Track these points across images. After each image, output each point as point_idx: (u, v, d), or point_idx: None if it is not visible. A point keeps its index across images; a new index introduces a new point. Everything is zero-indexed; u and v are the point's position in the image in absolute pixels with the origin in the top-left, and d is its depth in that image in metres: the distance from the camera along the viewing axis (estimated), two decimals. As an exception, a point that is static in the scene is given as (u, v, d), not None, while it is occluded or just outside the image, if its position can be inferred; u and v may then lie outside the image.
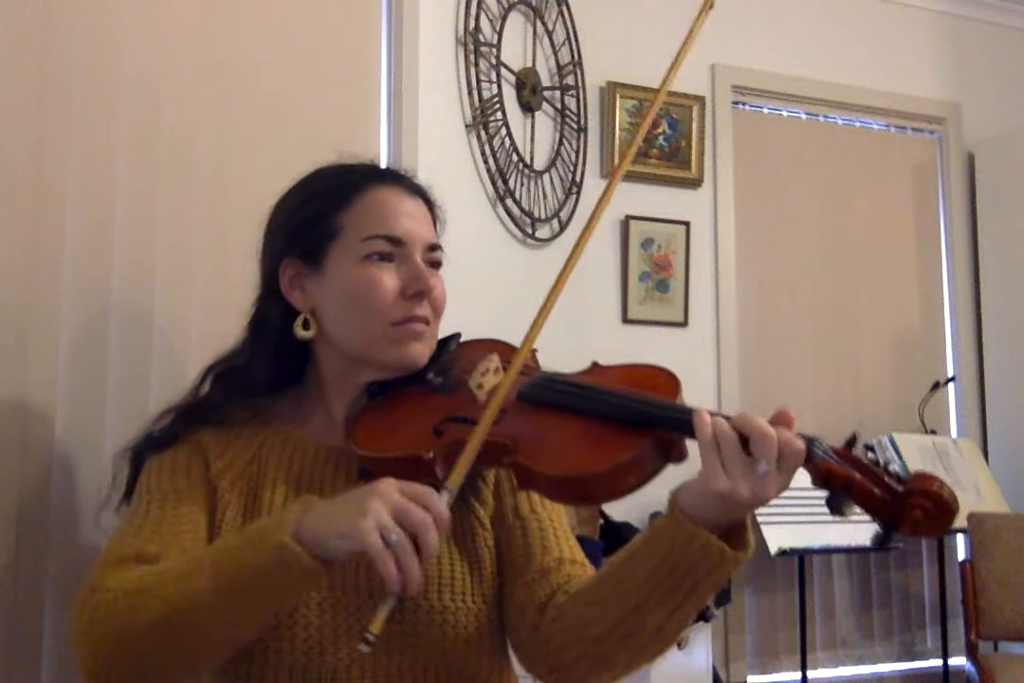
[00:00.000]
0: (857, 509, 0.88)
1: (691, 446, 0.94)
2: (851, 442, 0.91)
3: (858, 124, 3.81)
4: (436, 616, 1.02)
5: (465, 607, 1.04)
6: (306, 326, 1.12)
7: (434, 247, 1.15)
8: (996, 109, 3.93)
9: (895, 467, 0.89)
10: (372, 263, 1.10)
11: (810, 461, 0.88)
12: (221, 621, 0.89)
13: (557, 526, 1.11)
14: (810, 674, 3.12)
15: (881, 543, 0.89)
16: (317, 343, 1.15)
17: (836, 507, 0.88)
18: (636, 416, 0.95)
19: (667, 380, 1.02)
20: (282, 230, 1.16)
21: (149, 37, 1.56)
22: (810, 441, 0.88)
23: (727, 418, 0.90)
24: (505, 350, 1.14)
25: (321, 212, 1.13)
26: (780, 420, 0.89)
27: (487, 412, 0.95)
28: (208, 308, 1.58)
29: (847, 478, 0.87)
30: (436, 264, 1.15)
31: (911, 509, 0.86)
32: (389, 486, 0.87)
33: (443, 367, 1.14)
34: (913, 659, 3.53)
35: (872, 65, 3.77)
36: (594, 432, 0.96)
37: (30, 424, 1.35)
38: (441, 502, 0.87)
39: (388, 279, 1.09)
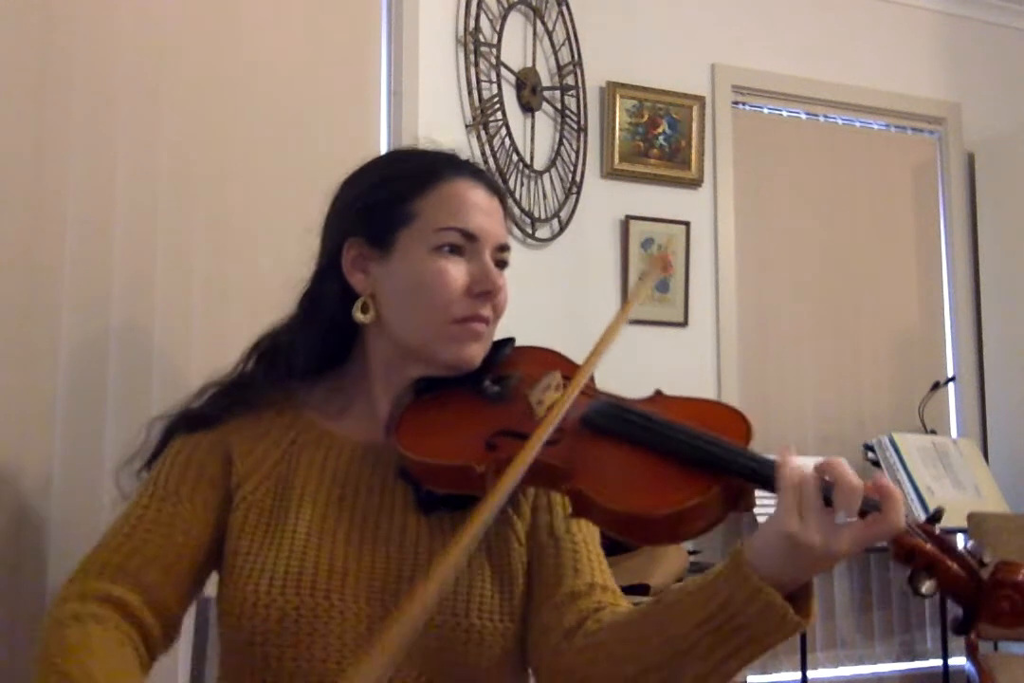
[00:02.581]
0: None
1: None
2: (934, 518, 0.85)
3: (858, 124, 3.81)
4: (462, 634, 0.98)
5: (492, 626, 1.00)
6: (364, 310, 1.08)
7: (504, 247, 1.11)
8: (996, 109, 3.94)
9: (972, 546, 0.85)
10: (442, 255, 1.06)
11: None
12: None
13: (591, 549, 1.06)
14: (810, 674, 3.12)
15: (962, 630, 0.84)
16: (370, 329, 1.10)
17: (916, 587, 0.82)
18: (709, 459, 0.89)
19: (739, 422, 0.95)
20: (352, 208, 1.11)
21: (149, 38, 1.56)
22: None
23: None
24: (561, 362, 1.10)
25: (396, 196, 1.08)
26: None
27: (540, 429, 0.90)
28: (209, 314, 1.57)
29: (932, 557, 0.82)
30: (502, 265, 1.11)
31: (997, 600, 0.81)
32: None
33: (499, 375, 1.08)
34: (913, 659, 3.53)
35: (872, 65, 3.77)
36: (662, 470, 0.91)
37: (30, 432, 1.35)
38: None
39: (457, 273, 1.05)
